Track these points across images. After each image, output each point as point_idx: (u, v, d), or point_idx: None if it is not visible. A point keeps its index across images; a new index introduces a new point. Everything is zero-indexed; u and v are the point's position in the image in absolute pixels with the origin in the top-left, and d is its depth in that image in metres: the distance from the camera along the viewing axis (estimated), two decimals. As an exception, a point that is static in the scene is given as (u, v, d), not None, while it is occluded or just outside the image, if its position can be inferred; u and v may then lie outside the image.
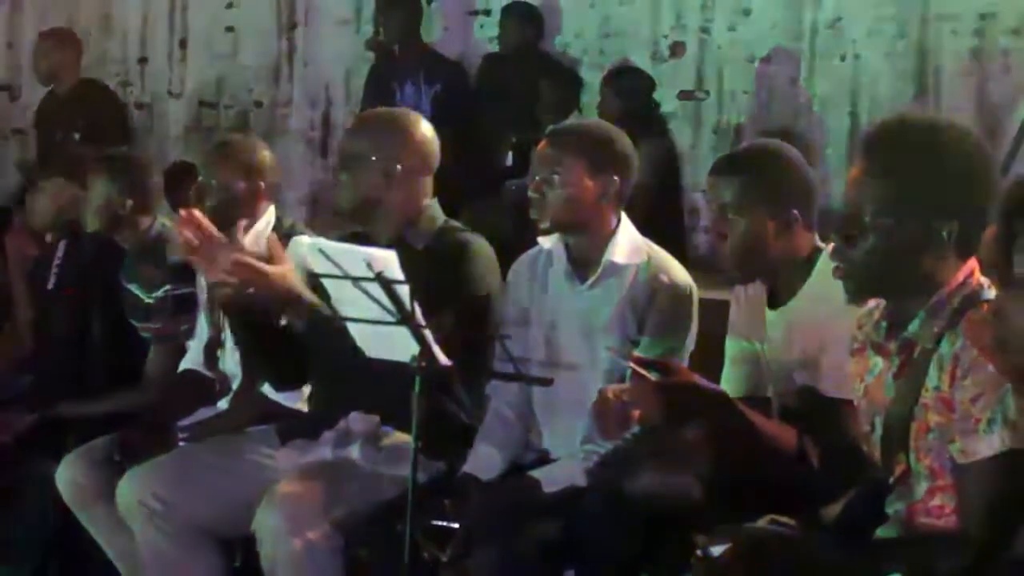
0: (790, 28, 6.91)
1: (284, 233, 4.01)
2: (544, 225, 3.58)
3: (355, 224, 3.81)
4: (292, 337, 3.61)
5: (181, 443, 4.01)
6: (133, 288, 4.42)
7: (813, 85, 6.86)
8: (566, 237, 3.63)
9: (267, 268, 3.46)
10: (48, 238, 4.98)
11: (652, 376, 2.90)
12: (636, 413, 2.99)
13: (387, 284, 3.02)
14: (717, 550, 2.61)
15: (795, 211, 3.16)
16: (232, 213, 4.05)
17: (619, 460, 3.29)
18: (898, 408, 2.61)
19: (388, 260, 3.04)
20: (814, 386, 3.10)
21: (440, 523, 3.40)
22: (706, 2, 7.12)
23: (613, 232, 3.58)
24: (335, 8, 8.20)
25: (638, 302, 3.54)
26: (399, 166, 3.71)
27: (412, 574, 3.18)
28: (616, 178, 3.56)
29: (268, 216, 4.13)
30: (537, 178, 3.58)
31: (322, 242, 3.22)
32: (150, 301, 4.38)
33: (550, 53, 7.44)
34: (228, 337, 4.11)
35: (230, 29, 8.55)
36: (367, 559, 3.51)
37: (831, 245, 2.74)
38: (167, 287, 4.35)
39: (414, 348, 3.11)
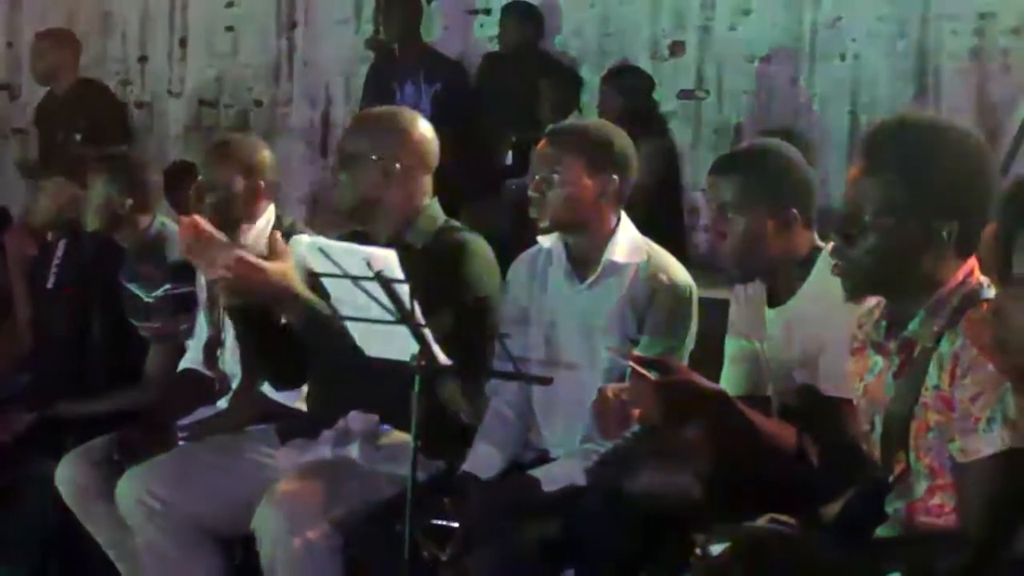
0: (790, 28, 6.91)
1: (284, 232, 4.01)
2: (544, 224, 3.58)
3: (354, 223, 3.81)
4: (292, 336, 3.61)
5: (181, 442, 4.01)
6: (133, 287, 4.42)
7: (813, 84, 6.86)
8: (566, 236, 3.63)
9: (265, 264, 3.46)
10: (48, 237, 4.98)
11: (652, 375, 2.90)
12: (636, 412, 2.99)
13: (387, 283, 3.02)
14: (716, 549, 2.61)
15: (795, 210, 3.16)
16: (232, 212, 4.05)
17: (619, 459, 3.29)
18: (898, 407, 2.61)
19: (388, 259, 3.04)
20: (814, 385, 3.10)
21: (440, 522, 3.40)
22: (706, 1, 7.12)
23: (613, 231, 3.58)
24: (335, 7, 8.21)
25: (638, 301, 3.54)
26: (398, 165, 3.70)
27: (412, 573, 3.18)
28: (616, 177, 3.56)
29: (268, 215, 4.13)
30: (537, 177, 3.58)
31: (322, 241, 3.21)
32: (150, 300, 4.38)
33: (550, 52, 7.44)
34: (228, 336, 4.11)
35: (230, 28, 8.56)
36: (367, 558, 3.51)
37: (831, 244, 2.74)
38: (167, 286, 4.36)
39: (413, 347, 3.11)
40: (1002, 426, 2.46)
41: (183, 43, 8.74)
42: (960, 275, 2.59)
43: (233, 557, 3.84)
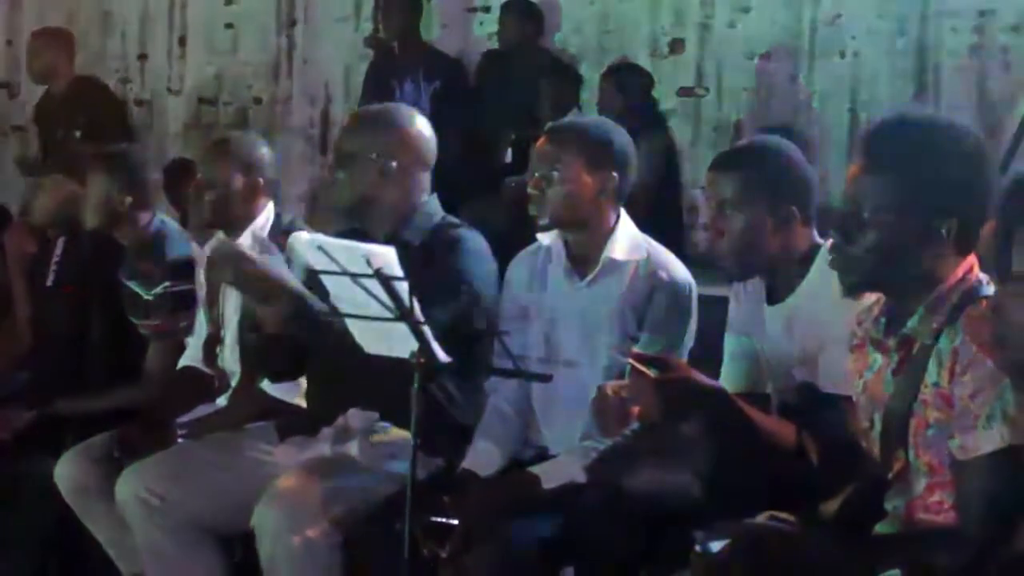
0: (790, 25, 6.90)
1: (283, 229, 4.02)
2: (543, 222, 3.58)
3: (352, 221, 3.81)
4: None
5: (180, 440, 4.01)
6: (132, 285, 4.42)
7: (812, 82, 6.85)
8: (565, 234, 3.63)
9: (257, 256, 3.46)
10: (48, 235, 4.98)
11: (651, 372, 2.90)
12: (635, 409, 2.98)
13: (386, 280, 3.02)
14: (716, 546, 2.61)
15: (794, 207, 3.16)
16: (230, 210, 4.05)
17: (618, 456, 3.29)
18: (897, 404, 2.61)
19: (387, 256, 3.04)
20: (813, 382, 3.10)
21: (439, 519, 3.40)
22: (706, -1, 7.14)
23: (612, 229, 3.58)
24: (335, 5, 8.21)
25: (637, 299, 3.54)
26: (394, 163, 3.70)
27: (411, 570, 3.19)
28: (615, 175, 3.56)
29: (267, 213, 4.13)
30: (536, 175, 3.58)
31: (321, 238, 3.21)
32: (149, 298, 4.38)
33: (549, 50, 7.43)
34: (227, 334, 4.11)
35: (229, 26, 8.55)
36: (366, 556, 3.51)
37: (831, 241, 2.74)
38: (166, 284, 4.35)
39: (413, 344, 3.11)
40: (1001, 423, 2.46)
41: (183, 41, 8.74)
42: (960, 272, 2.60)
43: (233, 554, 3.84)
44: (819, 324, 3.06)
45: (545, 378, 3.34)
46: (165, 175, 6.28)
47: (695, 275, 3.63)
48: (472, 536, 3.29)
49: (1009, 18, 6.37)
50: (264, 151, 4.18)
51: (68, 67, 7.66)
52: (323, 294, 3.34)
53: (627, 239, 3.59)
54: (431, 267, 3.51)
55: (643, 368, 2.91)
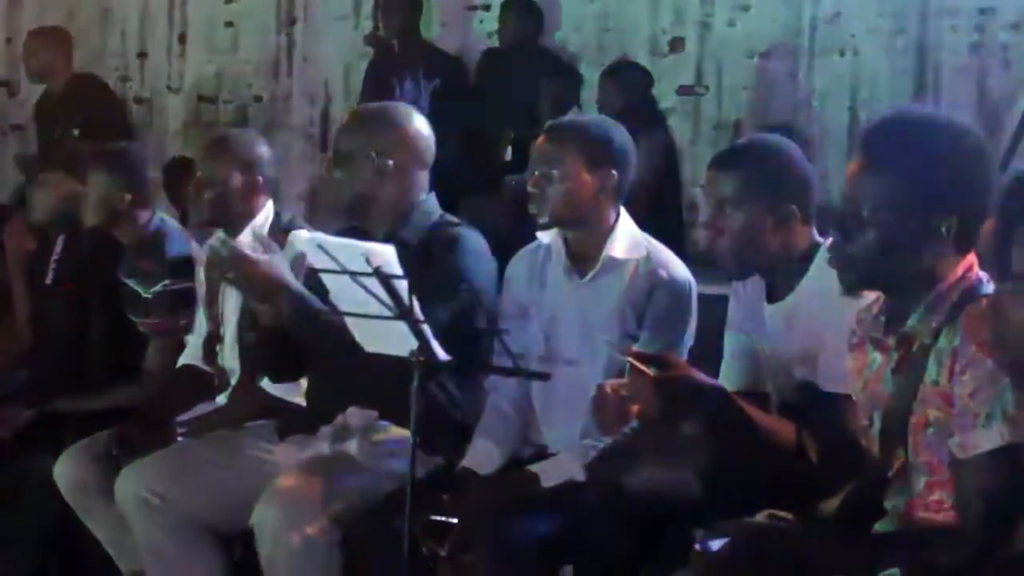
0: (789, 23, 6.91)
1: (283, 228, 4.02)
2: (543, 220, 3.58)
3: (350, 220, 3.81)
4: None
5: (180, 438, 4.00)
6: (131, 283, 4.42)
7: (812, 80, 6.86)
8: (565, 232, 3.62)
9: (257, 257, 3.46)
10: (48, 233, 4.97)
11: (650, 371, 2.90)
12: (634, 408, 2.98)
13: (385, 279, 3.02)
14: (715, 545, 2.61)
15: (793, 206, 3.15)
16: (229, 208, 4.05)
17: (617, 455, 3.29)
18: (897, 403, 2.61)
19: (387, 255, 3.04)
20: (813, 381, 3.10)
21: (438, 518, 3.40)
22: (705, -3, 7.14)
23: (612, 227, 3.58)
24: (334, 3, 8.20)
25: (637, 297, 3.54)
26: (391, 161, 3.70)
27: (411, 569, 3.19)
28: (615, 173, 3.56)
29: (267, 211, 4.12)
30: (536, 173, 3.57)
31: (321, 237, 3.22)
32: (148, 296, 4.37)
33: (549, 48, 7.43)
34: (227, 332, 4.11)
35: (229, 24, 8.55)
36: (366, 554, 3.51)
37: (830, 240, 2.74)
38: (165, 282, 4.35)
39: (412, 343, 3.11)
40: (1001, 422, 2.46)
41: (182, 39, 8.73)
42: (959, 271, 2.59)
43: (232, 553, 3.84)
44: (819, 323, 3.06)
45: (544, 376, 3.34)
46: (165, 173, 6.29)
47: (695, 273, 3.63)
48: (471, 534, 3.29)
49: (1009, 16, 6.37)
50: (263, 149, 4.18)
51: (65, 66, 7.65)
52: (322, 292, 3.34)
53: (627, 237, 3.59)
54: (430, 266, 3.51)
55: (642, 367, 2.91)
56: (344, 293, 3.19)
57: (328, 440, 3.70)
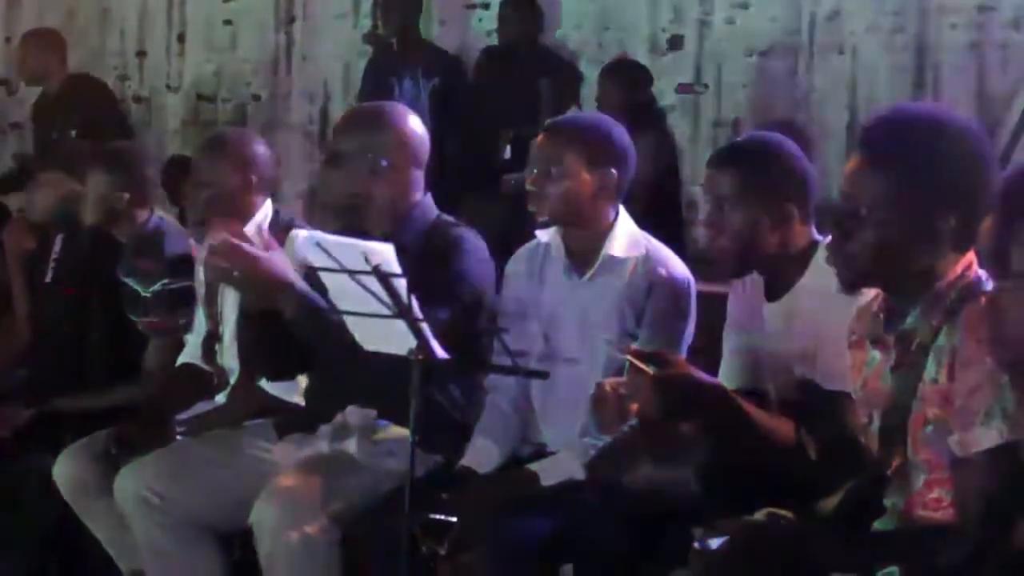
0: (789, 21, 6.91)
1: (282, 226, 4.01)
2: (542, 218, 3.58)
3: (345, 220, 3.80)
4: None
5: (179, 437, 4.00)
6: (130, 282, 4.41)
7: (812, 79, 6.85)
8: (564, 230, 3.62)
9: (259, 253, 3.46)
10: (47, 232, 4.97)
11: (650, 369, 2.90)
12: (633, 406, 2.98)
13: (384, 277, 3.02)
14: (715, 543, 2.61)
15: (792, 204, 3.15)
16: (226, 207, 4.04)
17: (617, 453, 3.29)
18: (896, 401, 2.61)
19: (385, 253, 3.03)
20: (812, 379, 3.10)
21: (438, 517, 3.39)
22: (705, -4, 7.13)
23: (611, 226, 3.58)
24: (333, 2, 8.20)
25: (636, 295, 3.53)
26: (386, 161, 3.70)
27: (410, 568, 3.18)
28: (614, 171, 3.56)
29: (265, 210, 4.12)
30: (535, 171, 3.57)
31: (319, 235, 3.21)
32: (147, 295, 4.37)
33: (549, 47, 7.43)
34: (226, 331, 4.11)
35: (228, 23, 8.55)
36: (365, 553, 3.51)
37: (829, 238, 2.74)
38: (164, 281, 4.35)
39: (411, 342, 3.11)
40: (1000, 420, 2.46)
41: (181, 38, 8.73)
42: (959, 268, 2.59)
43: (231, 552, 3.84)
44: (818, 321, 3.06)
45: (543, 375, 3.34)
46: (163, 172, 6.29)
47: (694, 272, 3.63)
48: (471, 533, 3.28)
49: (1008, 14, 6.37)
50: (260, 148, 4.17)
51: (60, 67, 7.64)
52: (321, 291, 3.34)
53: (626, 236, 3.58)
54: (429, 266, 3.50)
55: (642, 365, 2.91)
56: (343, 292, 3.18)
57: (327, 439, 3.70)
